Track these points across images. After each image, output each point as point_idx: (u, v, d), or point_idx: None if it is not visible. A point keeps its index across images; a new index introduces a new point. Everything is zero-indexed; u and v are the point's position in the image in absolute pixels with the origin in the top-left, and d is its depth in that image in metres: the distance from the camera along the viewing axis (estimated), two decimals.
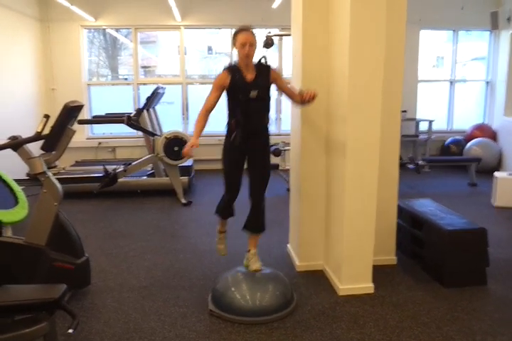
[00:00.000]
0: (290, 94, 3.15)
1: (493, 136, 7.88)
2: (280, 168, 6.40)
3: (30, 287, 2.33)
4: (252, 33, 2.98)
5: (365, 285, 3.12)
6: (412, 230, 3.64)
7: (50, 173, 2.99)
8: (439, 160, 7.27)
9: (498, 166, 7.46)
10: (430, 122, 7.85)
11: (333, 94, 3.20)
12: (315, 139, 3.40)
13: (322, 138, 3.38)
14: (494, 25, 7.86)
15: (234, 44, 2.99)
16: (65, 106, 2.93)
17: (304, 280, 3.33)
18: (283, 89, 3.12)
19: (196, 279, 3.38)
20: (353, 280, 3.11)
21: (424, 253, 3.47)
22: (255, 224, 3.16)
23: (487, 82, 8.60)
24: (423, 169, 7.06)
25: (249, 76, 2.98)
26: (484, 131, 7.97)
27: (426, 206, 3.77)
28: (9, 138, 2.91)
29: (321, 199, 3.45)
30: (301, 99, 3.03)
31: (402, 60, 3.42)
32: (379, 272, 3.25)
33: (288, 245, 3.94)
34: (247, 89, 2.94)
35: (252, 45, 2.92)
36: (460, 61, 8.65)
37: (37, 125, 2.90)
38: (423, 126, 8.02)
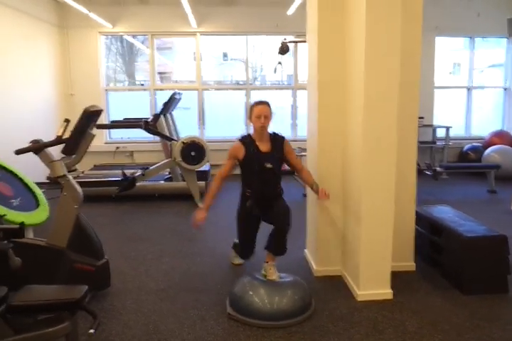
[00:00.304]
0: (298, 170, 3.33)
1: (511, 142, 7.79)
2: (296, 173, 6.39)
3: (52, 287, 2.37)
4: (268, 105, 3.13)
5: (383, 291, 3.10)
6: (430, 236, 3.61)
7: (70, 176, 3.03)
8: (457, 167, 7.21)
9: None
10: (447, 128, 7.79)
11: (350, 101, 3.20)
12: (331, 145, 3.40)
13: (338, 144, 3.38)
14: (511, 31, 7.80)
15: (249, 117, 3.17)
16: (84, 111, 2.98)
17: (321, 285, 3.32)
18: (292, 163, 3.29)
19: (214, 283, 3.39)
20: (372, 285, 3.09)
21: (443, 259, 3.44)
22: (277, 247, 3.15)
23: (505, 89, 8.55)
24: (441, 176, 7.00)
25: (264, 147, 3.15)
26: (503, 137, 7.89)
27: (445, 212, 3.75)
28: (31, 142, 2.97)
29: (337, 205, 3.45)
30: (310, 186, 3.26)
31: (418, 67, 3.41)
32: (398, 278, 3.22)
33: (305, 250, 3.94)
34: (262, 160, 3.11)
35: (267, 117, 3.09)
36: (477, 68, 8.60)
37: (57, 129, 2.96)
38: (440, 133, 7.97)
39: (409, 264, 3.59)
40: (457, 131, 8.38)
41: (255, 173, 3.12)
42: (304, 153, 6.43)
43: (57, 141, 2.90)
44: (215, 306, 3.00)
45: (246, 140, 3.16)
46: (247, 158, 3.13)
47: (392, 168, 2.99)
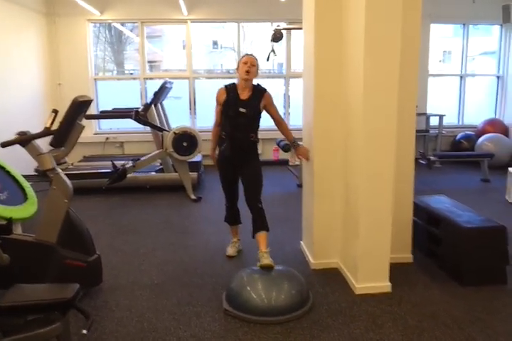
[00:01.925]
0: (278, 122, 3.49)
1: (505, 131, 7.79)
2: (290, 163, 6.32)
3: (43, 286, 2.29)
4: (255, 58, 3.37)
5: (382, 284, 3.04)
6: (428, 227, 3.57)
7: (59, 169, 2.93)
8: (451, 156, 7.18)
9: (511, 162, 7.35)
10: (441, 117, 7.74)
11: (348, 88, 3.11)
12: (328, 134, 3.31)
13: (336, 133, 3.30)
14: (506, 18, 7.71)
15: (237, 68, 3.37)
16: (73, 101, 2.86)
17: (318, 279, 3.26)
18: (272, 114, 3.45)
19: (208, 277, 3.32)
20: (370, 278, 3.04)
21: (441, 251, 3.39)
22: (259, 224, 3.31)
23: (498, 77, 8.49)
24: (434, 164, 6.96)
25: (244, 95, 3.33)
26: (496, 126, 7.87)
27: (442, 203, 3.70)
28: (18, 134, 2.85)
29: (335, 195, 3.38)
30: (290, 142, 3.56)
31: (417, 55, 3.34)
32: (395, 270, 3.15)
33: (301, 242, 3.87)
34: (237, 105, 3.29)
35: (254, 65, 3.30)
36: (469, 55, 8.52)
37: (45, 120, 2.84)
38: (433, 121, 7.91)
39: (407, 256, 3.54)
40: (449, 119, 8.32)
41: (230, 117, 3.31)
42: (299, 143, 6.35)
43: (46, 132, 2.78)
44: (210, 302, 2.93)
45: (229, 86, 3.39)
46: (226, 102, 3.33)
47: (391, 158, 2.92)
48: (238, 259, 3.67)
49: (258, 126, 3.41)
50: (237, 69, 3.35)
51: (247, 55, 3.38)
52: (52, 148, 2.88)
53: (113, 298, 3.01)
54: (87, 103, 3.04)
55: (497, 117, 8.32)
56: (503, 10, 7.57)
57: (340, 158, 3.32)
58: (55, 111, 2.73)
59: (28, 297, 2.09)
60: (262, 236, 3.25)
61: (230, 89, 3.35)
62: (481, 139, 7.50)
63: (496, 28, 8.48)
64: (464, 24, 8.26)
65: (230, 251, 3.74)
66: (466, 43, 8.34)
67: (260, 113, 3.37)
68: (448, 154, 7.42)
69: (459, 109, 8.57)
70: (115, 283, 3.22)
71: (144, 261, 3.62)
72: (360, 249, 3.00)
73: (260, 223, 3.30)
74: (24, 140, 2.79)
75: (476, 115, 8.47)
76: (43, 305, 2.06)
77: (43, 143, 2.96)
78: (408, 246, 3.54)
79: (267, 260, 3.01)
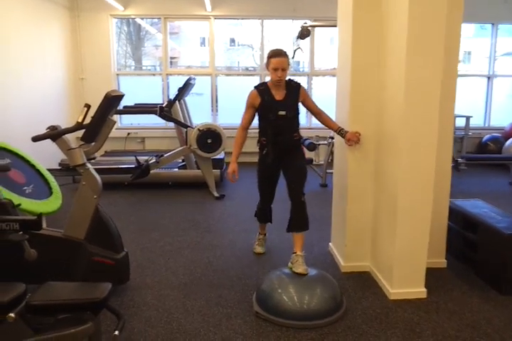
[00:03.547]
0: (317, 114, 3.27)
1: None
2: (314, 163, 6.21)
3: (74, 285, 2.22)
4: (286, 56, 3.08)
5: (417, 290, 2.93)
6: (464, 232, 3.44)
7: (89, 165, 2.86)
8: (479, 158, 6.99)
9: None
10: (467, 118, 7.54)
11: (386, 88, 3.00)
12: (363, 132, 3.20)
13: (371, 132, 3.19)
14: None
15: (267, 67, 3.12)
16: (106, 96, 2.78)
17: (350, 283, 3.16)
18: (311, 108, 3.27)
19: (237, 278, 3.24)
20: (405, 283, 2.93)
21: (479, 257, 3.26)
22: (298, 222, 3.13)
23: None
24: (460, 167, 6.79)
25: (279, 95, 3.12)
26: None
27: (479, 207, 3.56)
28: (48, 128, 2.79)
29: (368, 196, 3.27)
30: (336, 131, 3.24)
31: (457, 57, 3.25)
32: (429, 275, 3.03)
33: (330, 244, 3.77)
34: (276, 108, 3.09)
35: (285, 69, 3.04)
36: (488, 56, 8.30)
37: (71, 114, 2.77)
38: (458, 122, 7.70)
39: (441, 261, 3.42)
40: (475, 120, 8.11)
41: (270, 121, 3.12)
42: (322, 142, 6.26)
43: (77, 127, 2.71)
44: (240, 303, 2.85)
45: (262, 88, 3.16)
46: (262, 105, 3.14)
47: (433, 160, 2.81)
48: (266, 258, 3.58)
49: (299, 123, 3.23)
50: (267, 66, 3.09)
51: (275, 56, 3.04)
52: (83, 143, 2.81)
53: (140, 296, 2.94)
54: (119, 98, 2.97)
55: None
56: None
57: (374, 159, 3.21)
58: (88, 106, 2.66)
59: (60, 296, 2.03)
60: (300, 236, 3.09)
61: (264, 91, 3.12)
62: (509, 142, 7.30)
63: None
64: (492, 24, 8.05)
65: (259, 248, 3.67)
66: (494, 43, 8.13)
67: (299, 110, 3.20)
68: (477, 156, 7.23)
69: (486, 110, 8.36)
70: (142, 281, 3.16)
71: (170, 260, 3.55)
72: (397, 253, 2.89)
73: (301, 221, 3.11)
74: (55, 134, 2.73)
75: (501, 117, 8.27)
76: (75, 304, 1.99)
77: (72, 138, 2.90)
78: (442, 250, 3.42)
79: (301, 267, 2.82)
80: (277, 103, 3.10)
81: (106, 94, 2.72)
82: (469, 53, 9.12)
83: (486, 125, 8.36)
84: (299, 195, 3.11)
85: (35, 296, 1.97)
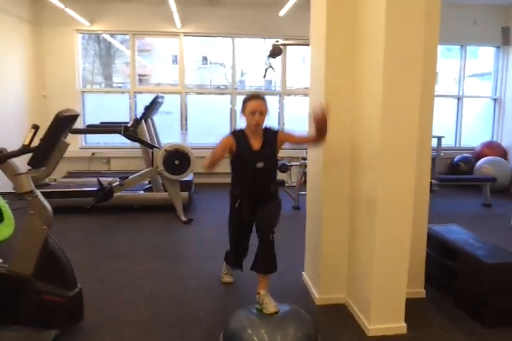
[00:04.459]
0: (305, 141, 3.01)
1: (503, 154, 7.61)
2: (286, 184, 6.03)
3: (15, 336, 1.93)
4: (264, 100, 2.86)
5: (397, 325, 2.74)
6: (442, 260, 3.28)
7: (38, 192, 2.58)
8: (452, 179, 6.95)
9: (510, 186, 7.17)
10: (439, 138, 7.53)
11: (362, 110, 2.86)
12: (338, 156, 3.04)
13: (346, 155, 3.03)
14: (505, 40, 7.66)
15: (243, 111, 2.88)
16: (57, 116, 2.53)
17: (325, 317, 2.94)
18: (296, 141, 3.02)
19: (203, 312, 2.98)
20: (384, 318, 2.73)
21: (458, 286, 3.10)
22: (266, 263, 2.82)
23: (495, 99, 8.36)
24: (433, 188, 6.73)
25: (256, 144, 2.87)
26: (494, 148, 7.71)
27: (456, 233, 3.43)
28: None
29: (343, 223, 3.09)
30: (316, 131, 2.73)
31: (434, 77, 3.15)
32: (408, 307, 2.81)
33: (303, 273, 3.56)
34: (253, 159, 2.84)
35: (263, 113, 2.82)
36: (456, 78, 8.39)
37: (24, 136, 2.51)
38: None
39: (419, 291, 3.25)
40: (446, 141, 8.13)
41: (245, 173, 2.89)
42: (294, 163, 6.10)
43: (24, 150, 2.44)
44: None
45: (238, 134, 2.88)
46: (238, 154, 2.86)
47: (412, 182, 2.66)
48: (235, 288, 3.36)
49: (276, 173, 3.06)
50: (243, 111, 2.86)
51: (252, 98, 2.83)
52: (31, 168, 2.54)
53: (95, 337, 2.65)
54: (73, 118, 2.72)
55: (494, 140, 8.17)
56: (503, 32, 7.49)
57: (349, 182, 3.04)
58: (36, 127, 2.40)
59: None
60: (266, 277, 2.83)
61: (240, 138, 2.85)
62: (479, 162, 7.32)
63: (483, 51, 8.43)
64: (461, 45, 8.15)
65: (226, 277, 3.46)
66: (463, 65, 8.22)
67: (277, 160, 3.01)
68: (450, 177, 7.19)
69: (456, 130, 8.41)
70: (98, 319, 2.86)
71: (131, 293, 3.26)
72: (375, 285, 2.70)
73: (269, 262, 2.80)
74: None
75: (472, 137, 8.32)
76: None
77: (23, 162, 2.62)
78: (421, 279, 3.25)
79: (272, 307, 2.55)
80: (255, 153, 2.84)
81: (57, 114, 2.47)
82: (436, 74, 9.20)
83: (457, 145, 8.39)
84: (268, 234, 2.81)
85: None
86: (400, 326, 2.74)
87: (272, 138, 2.89)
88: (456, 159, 7.82)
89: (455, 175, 7.53)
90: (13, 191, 5.18)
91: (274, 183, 3.00)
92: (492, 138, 8.26)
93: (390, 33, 2.49)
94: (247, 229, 3.05)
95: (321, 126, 2.65)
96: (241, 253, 3.22)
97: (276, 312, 2.54)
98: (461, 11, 7.52)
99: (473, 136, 8.35)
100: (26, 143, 2.40)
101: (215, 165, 2.66)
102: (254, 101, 2.81)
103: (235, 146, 2.84)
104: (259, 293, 2.71)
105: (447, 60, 8.48)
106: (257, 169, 2.83)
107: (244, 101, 2.86)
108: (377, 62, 2.58)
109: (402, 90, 2.57)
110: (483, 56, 8.58)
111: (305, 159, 5.84)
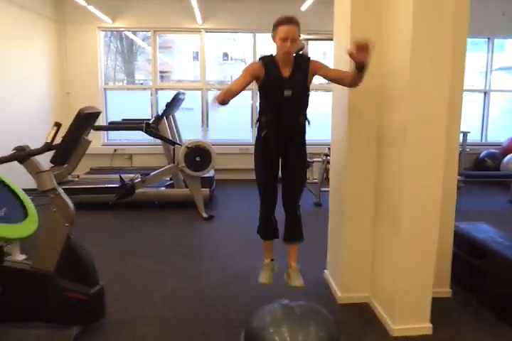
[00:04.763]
0: (340, 77, 2.69)
1: None
2: (308, 181, 5.96)
3: (35, 334, 1.94)
4: (297, 25, 2.58)
5: (422, 326, 2.67)
6: (469, 259, 3.19)
7: (61, 190, 2.59)
8: (478, 176, 6.78)
9: None
10: (465, 134, 7.34)
11: (386, 106, 2.78)
12: (362, 156, 2.97)
13: (370, 154, 2.96)
14: None
15: (273, 37, 2.62)
16: (79, 113, 2.53)
17: (348, 316, 2.89)
18: (330, 76, 2.73)
19: (223, 311, 2.96)
20: (409, 318, 2.67)
21: (486, 286, 3.01)
22: (292, 232, 2.93)
23: None
24: (458, 184, 6.57)
25: (286, 72, 2.64)
26: None
27: (485, 232, 3.32)
28: (15, 149, 2.53)
29: (368, 222, 3.02)
30: (356, 66, 2.45)
31: (462, 72, 3.02)
32: (433, 307, 2.75)
33: (325, 271, 3.51)
34: (281, 87, 2.62)
35: (295, 40, 2.55)
36: (481, 71, 8.17)
37: (47, 134, 2.51)
38: None
39: (445, 290, 3.17)
40: (471, 136, 7.94)
41: (272, 101, 2.69)
42: (316, 159, 6.03)
43: (46, 148, 2.46)
44: None
45: (268, 60, 2.65)
46: (266, 81, 2.65)
47: (439, 181, 2.59)
48: (257, 289, 3.28)
49: (307, 105, 2.77)
50: (273, 37, 2.61)
51: (285, 22, 2.53)
52: (53, 165, 2.55)
53: (116, 335, 2.65)
54: (95, 115, 2.72)
55: None
56: None
57: (374, 180, 2.98)
58: (58, 125, 2.41)
59: None
60: (294, 247, 2.95)
61: (269, 64, 2.62)
62: (507, 158, 7.13)
63: (510, 43, 8.18)
64: (488, 38, 7.93)
65: (264, 277, 2.99)
66: (490, 58, 8.00)
67: (309, 90, 2.72)
68: (476, 174, 7.01)
69: (482, 125, 8.20)
70: (119, 317, 2.86)
71: (152, 291, 3.26)
72: (400, 285, 2.64)
73: (297, 231, 2.93)
74: (22, 156, 2.47)
75: (498, 132, 8.11)
76: None
77: (46, 160, 2.63)
78: (447, 279, 3.17)
79: (298, 281, 2.76)
80: (283, 81, 2.63)
81: (79, 112, 2.48)
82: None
83: (483, 141, 8.19)
84: (294, 204, 2.88)
85: None
86: (426, 326, 2.68)
87: (303, 66, 2.66)
88: (482, 155, 7.64)
89: (481, 171, 7.34)
90: (36, 188, 5.27)
91: (304, 115, 2.78)
92: None
93: (417, 28, 2.41)
94: (273, 169, 2.81)
95: (362, 58, 2.40)
96: (270, 199, 2.88)
97: (301, 287, 2.80)
98: (489, 1, 7.30)
99: (500, 131, 8.13)
100: (49, 140, 2.41)
101: (228, 100, 2.46)
102: (287, 26, 2.54)
103: (263, 73, 2.63)
104: (290, 267, 2.92)
105: (473, 54, 8.26)
106: (285, 98, 2.63)
107: (275, 25, 2.59)
108: (404, 57, 2.50)
109: (429, 86, 2.49)
110: (511, 49, 8.33)
111: (327, 155, 5.77)
